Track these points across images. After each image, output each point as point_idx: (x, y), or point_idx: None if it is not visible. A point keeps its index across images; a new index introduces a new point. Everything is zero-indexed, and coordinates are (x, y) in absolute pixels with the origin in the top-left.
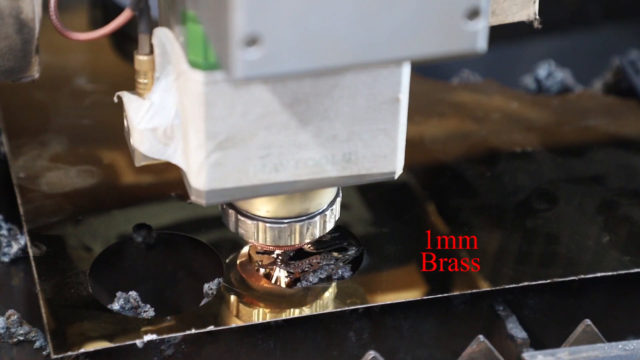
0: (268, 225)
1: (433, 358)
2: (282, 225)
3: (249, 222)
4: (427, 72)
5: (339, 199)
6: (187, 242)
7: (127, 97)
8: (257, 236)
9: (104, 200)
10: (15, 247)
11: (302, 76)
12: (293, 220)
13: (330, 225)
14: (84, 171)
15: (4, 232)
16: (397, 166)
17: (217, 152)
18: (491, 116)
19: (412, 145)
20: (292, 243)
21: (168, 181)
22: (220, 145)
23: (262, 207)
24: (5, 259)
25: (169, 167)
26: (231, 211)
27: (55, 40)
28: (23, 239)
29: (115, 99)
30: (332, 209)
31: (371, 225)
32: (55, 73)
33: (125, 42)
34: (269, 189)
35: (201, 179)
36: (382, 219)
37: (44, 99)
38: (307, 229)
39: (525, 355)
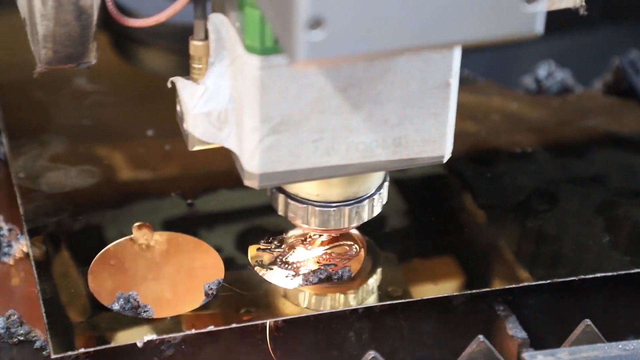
0: (317, 208)
1: (433, 358)
2: (331, 209)
3: (298, 205)
4: None
5: (386, 184)
6: (187, 242)
7: (181, 82)
8: (306, 219)
9: (104, 200)
10: (15, 247)
11: (361, 59)
12: (342, 204)
13: (377, 210)
14: (84, 171)
15: (4, 232)
16: (446, 150)
17: (271, 135)
18: (491, 116)
19: None
20: (341, 226)
21: (168, 181)
22: (274, 128)
23: (312, 190)
24: (5, 259)
25: (168, 167)
26: (281, 195)
27: None
28: (23, 239)
29: (169, 84)
30: (380, 193)
31: (371, 225)
32: (55, 73)
33: (126, 43)
34: (320, 172)
35: (255, 162)
36: (381, 219)
37: (44, 99)
38: (356, 212)
39: (525, 355)
